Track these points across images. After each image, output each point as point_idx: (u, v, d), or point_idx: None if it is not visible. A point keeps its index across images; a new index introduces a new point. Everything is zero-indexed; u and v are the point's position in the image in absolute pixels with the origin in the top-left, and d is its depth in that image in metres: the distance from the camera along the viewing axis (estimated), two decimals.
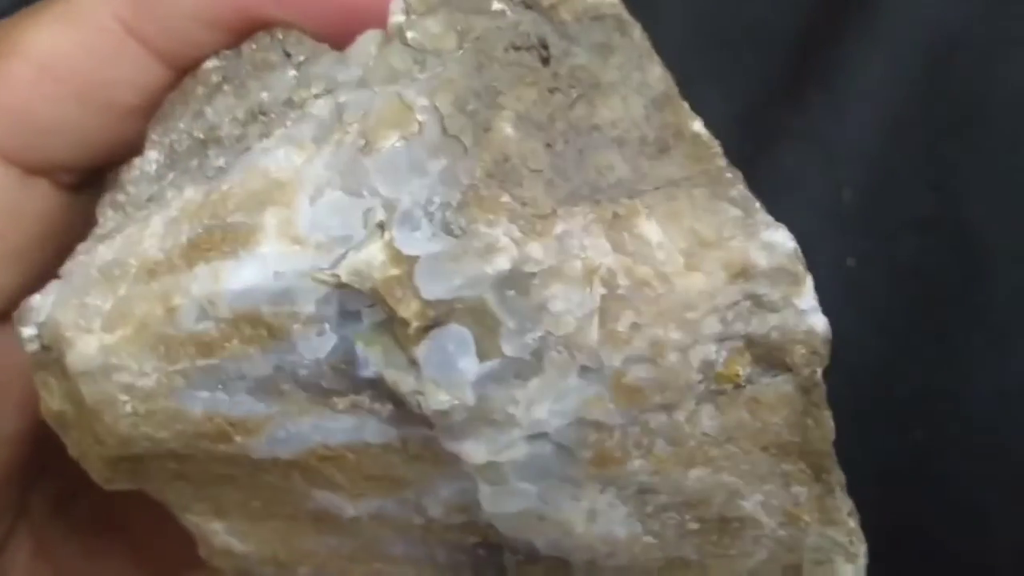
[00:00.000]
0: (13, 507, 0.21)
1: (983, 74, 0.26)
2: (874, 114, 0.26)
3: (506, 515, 0.17)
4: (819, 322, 0.16)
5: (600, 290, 0.16)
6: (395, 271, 0.16)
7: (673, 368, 0.16)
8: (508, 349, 0.16)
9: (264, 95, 0.19)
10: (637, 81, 0.17)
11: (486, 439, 0.16)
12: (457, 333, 0.16)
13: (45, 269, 0.21)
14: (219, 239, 0.17)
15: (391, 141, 0.17)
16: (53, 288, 0.18)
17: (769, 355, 0.16)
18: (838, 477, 0.17)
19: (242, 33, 0.20)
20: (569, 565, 0.18)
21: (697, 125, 0.17)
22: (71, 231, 0.21)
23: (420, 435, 0.17)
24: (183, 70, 0.20)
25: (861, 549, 0.18)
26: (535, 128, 0.17)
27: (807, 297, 0.16)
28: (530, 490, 0.17)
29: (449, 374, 0.16)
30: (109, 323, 0.17)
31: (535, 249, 0.16)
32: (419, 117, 0.17)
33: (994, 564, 0.24)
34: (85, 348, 0.17)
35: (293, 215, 0.17)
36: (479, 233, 0.16)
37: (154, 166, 0.19)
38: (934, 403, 0.25)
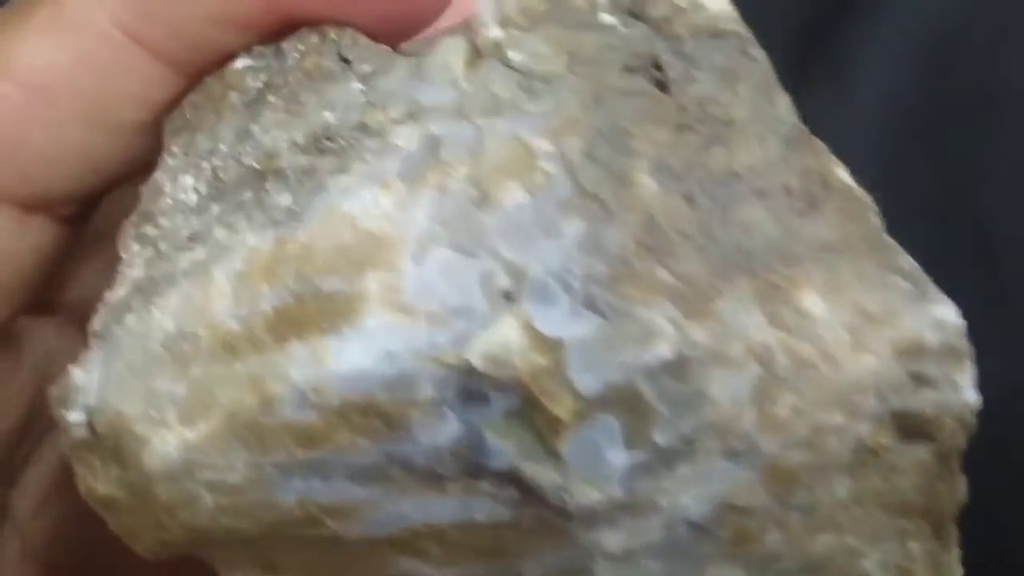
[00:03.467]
0: None
1: (990, 62, 0.26)
2: (881, 103, 0.26)
3: None
4: (973, 396, 0.15)
5: (757, 371, 0.14)
6: (542, 359, 0.14)
7: (830, 451, 0.15)
8: (660, 439, 0.14)
9: (328, 115, 0.16)
10: (768, 116, 0.16)
11: (626, 529, 0.15)
12: (606, 424, 0.14)
13: (36, 299, 0.18)
14: (314, 311, 0.14)
15: (514, 195, 0.15)
16: (96, 361, 0.15)
17: (917, 428, 0.16)
18: (952, 535, 0.17)
19: (269, 34, 0.17)
20: None
21: (842, 173, 0.15)
22: (71, 261, 0.19)
23: (537, 514, 0.15)
24: (199, 79, 0.17)
25: None
26: (672, 179, 0.15)
27: (968, 374, 0.15)
28: (655, 567, 0.16)
29: (597, 468, 0.14)
30: (188, 414, 0.14)
31: (697, 332, 0.14)
32: (544, 166, 0.15)
33: (999, 563, 0.24)
34: (163, 447, 0.14)
35: (398, 279, 0.14)
36: (636, 316, 0.14)
37: (193, 196, 0.16)
38: None
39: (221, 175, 0.16)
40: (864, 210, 0.15)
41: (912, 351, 0.15)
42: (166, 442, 0.14)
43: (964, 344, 0.15)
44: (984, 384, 0.25)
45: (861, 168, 0.26)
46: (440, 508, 0.15)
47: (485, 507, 0.15)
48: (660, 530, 0.15)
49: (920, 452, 0.16)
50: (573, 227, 0.14)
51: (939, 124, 0.26)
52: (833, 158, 0.16)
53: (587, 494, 0.14)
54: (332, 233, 0.15)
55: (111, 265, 0.17)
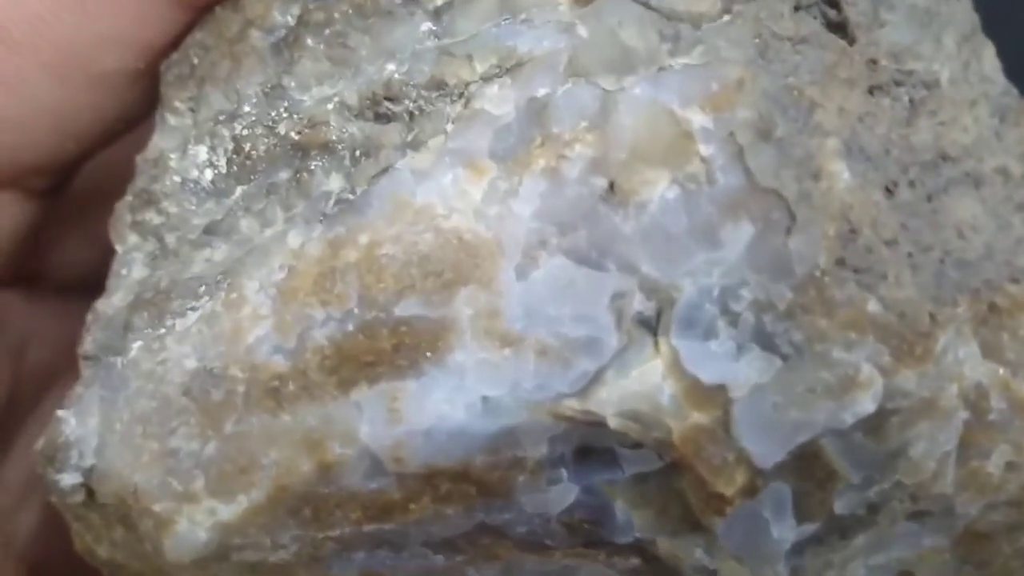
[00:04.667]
0: None
1: None
2: None
3: None
4: None
5: (964, 417, 0.11)
6: (701, 416, 0.10)
7: None
8: (841, 507, 0.11)
9: (389, 67, 0.12)
10: (976, 75, 0.12)
11: None
12: (776, 493, 0.11)
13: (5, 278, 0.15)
14: (388, 347, 0.11)
15: (660, 189, 0.11)
16: (91, 403, 0.11)
17: None
18: None
19: None
20: None
21: None
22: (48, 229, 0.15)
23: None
24: (206, 10, 0.13)
25: None
26: (868, 163, 0.11)
27: None
28: None
29: (758, 547, 0.11)
30: (221, 484, 0.11)
31: (909, 379, 0.11)
32: (702, 149, 0.11)
33: None
34: (192, 530, 0.11)
35: (498, 300, 0.11)
36: (831, 359, 0.10)
37: (208, 173, 0.12)
38: None
39: (246, 147, 0.12)
40: None
41: None
42: (195, 523, 0.11)
43: None
44: None
45: None
46: (538, 569, 0.12)
47: (595, 571, 0.12)
48: None
49: None
50: (741, 233, 0.11)
51: None
52: None
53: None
54: (406, 235, 0.11)
55: (94, 237, 0.13)
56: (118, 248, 0.12)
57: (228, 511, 0.11)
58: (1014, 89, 0.12)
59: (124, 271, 0.12)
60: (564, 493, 0.11)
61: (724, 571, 0.11)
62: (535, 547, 0.12)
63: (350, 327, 0.11)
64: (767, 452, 0.10)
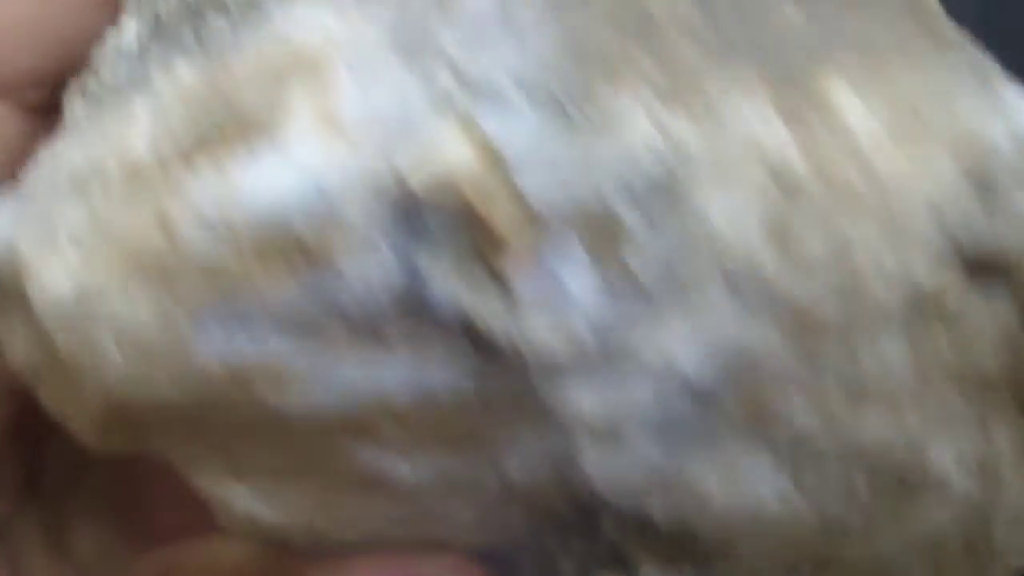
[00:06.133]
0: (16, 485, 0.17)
1: None
2: None
3: (616, 480, 0.13)
4: None
5: (765, 179, 0.11)
6: (487, 170, 0.11)
7: (870, 294, 0.12)
8: (638, 266, 0.12)
9: None
10: None
11: (601, 387, 0.12)
12: (569, 248, 0.12)
13: None
14: (231, 132, 0.12)
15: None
16: (7, 203, 0.13)
17: (987, 266, 0.12)
18: None
19: None
20: (696, 539, 0.14)
21: None
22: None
23: (505, 382, 0.13)
24: None
25: None
26: None
27: None
28: (652, 451, 0.13)
29: (557, 304, 0.12)
30: (83, 244, 0.12)
31: (684, 130, 0.11)
32: None
33: None
34: (53, 275, 0.12)
35: (330, 93, 0.12)
36: (607, 109, 0.11)
37: (135, 42, 0.14)
38: None
39: (162, 16, 0.14)
40: (925, 6, 0.12)
41: (978, 157, 0.11)
42: (56, 270, 0.12)
43: None
44: None
45: None
46: (388, 374, 0.13)
47: (440, 375, 0.13)
48: (649, 395, 0.12)
49: (997, 302, 0.12)
50: (541, 24, 0.12)
51: None
52: None
53: (543, 336, 0.12)
54: (264, 54, 0.13)
55: None
56: (67, 113, 0.14)
57: (85, 267, 0.12)
58: None
59: (66, 128, 0.14)
60: (383, 263, 0.12)
61: (527, 329, 0.12)
62: (373, 333, 0.12)
63: (205, 123, 0.12)
64: (541, 191, 0.11)
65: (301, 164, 0.12)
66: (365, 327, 0.12)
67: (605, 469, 0.13)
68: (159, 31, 0.14)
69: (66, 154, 0.13)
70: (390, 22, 0.12)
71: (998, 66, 0.12)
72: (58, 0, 0.15)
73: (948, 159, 0.11)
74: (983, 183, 0.12)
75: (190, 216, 0.12)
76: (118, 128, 0.13)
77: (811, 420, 0.13)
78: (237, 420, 0.14)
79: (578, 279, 0.12)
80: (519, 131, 0.11)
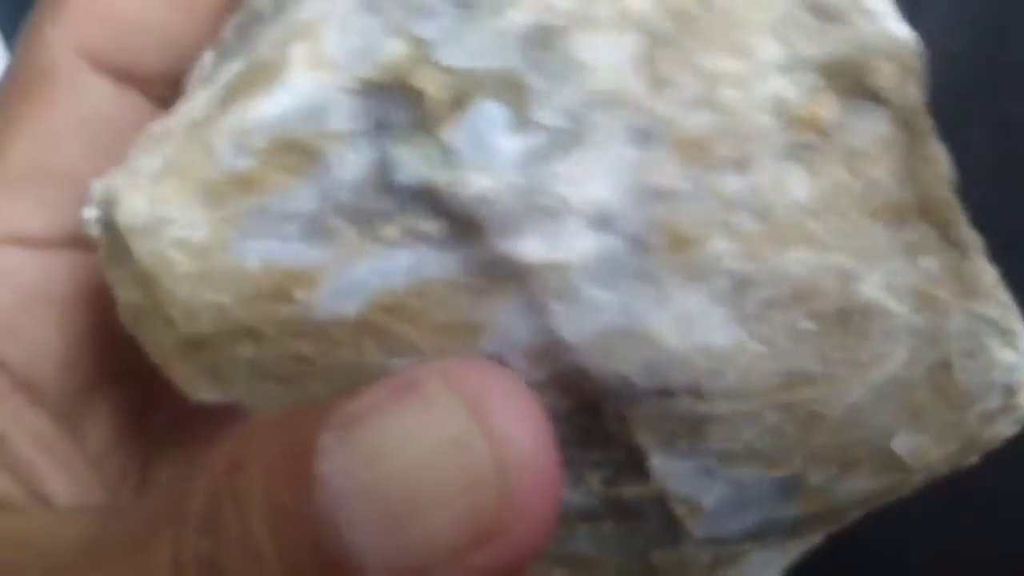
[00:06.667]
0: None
1: None
2: (933, 66, 0.25)
3: (588, 340, 0.15)
4: (901, 29, 0.14)
5: (633, 33, 0.14)
6: (414, 52, 0.15)
7: (735, 108, 0.14)
8: (544, 117, 0.14)
9: None
10: None
11: (542, 232, 0.15)
12: (487, 108, 0.14)
13: None
14: (250, 80, 0.16)
15: None
16: (118, 171, 0.18)
17: (853, 84, 0.14)
18: (970, 236, 0.14)
19: None
20: (673, 397, 0.16)
21: None
22: None
23: (480, 260, 0.15)
24: None
25: (1018, 327, 0.14)
26: None
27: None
28: (606, 298, 0.15)
29: (485, 155, 0.14)
30: (155, 179, 0.16)
31: (562, 2, 0.14)
32: None
33: None
34: (132, 203, 0.16)
35: (320, 45, 0.16)
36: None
37: (208, 67, 0.19)
38: None
39: (226, 43, 0.19)
40: None
41: None
42: (135, 199, 0.16)
43: None
44: None
45: None
46: (390, 266, 0.16)
47: (430, 259, 0.16)
48: (588, 237, 0.15)
49: (879, 124, 0.14)
50: None
51: (995, 90, 0.24)
52: None
53: (479, 183, 0.14)
54: (278, 32, 0.17)
55: None
56: None
57: (155, 191, 0.16)
58: None
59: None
60: (362, 155, 0.15)
61: (465, 180, 0.14)
62: (365, 222, 0.16)
63: (235, 78, 0.16)
64: (452, 55, 0.14)
65: (297, 90, 0.16)
66: (363, 221, 0.16)
67: (576, 328, 0.15)
68: (223, 53, 0.19)
69: (148, 138, 0.17)
70: None
71: None
72: (184, 6, 0.19)
73: None
74: (819, 8, 0.14)
75: (225, 140, 0.16)
76: (185, 106, 0.17)
77: (740, 262, 0.14)
78: (294, 347, 0.17)
79: (497, 132, 0.14)
80: (438, 25, 0.15)
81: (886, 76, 0.14)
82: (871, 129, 0.14)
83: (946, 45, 0.25)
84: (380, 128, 0.15)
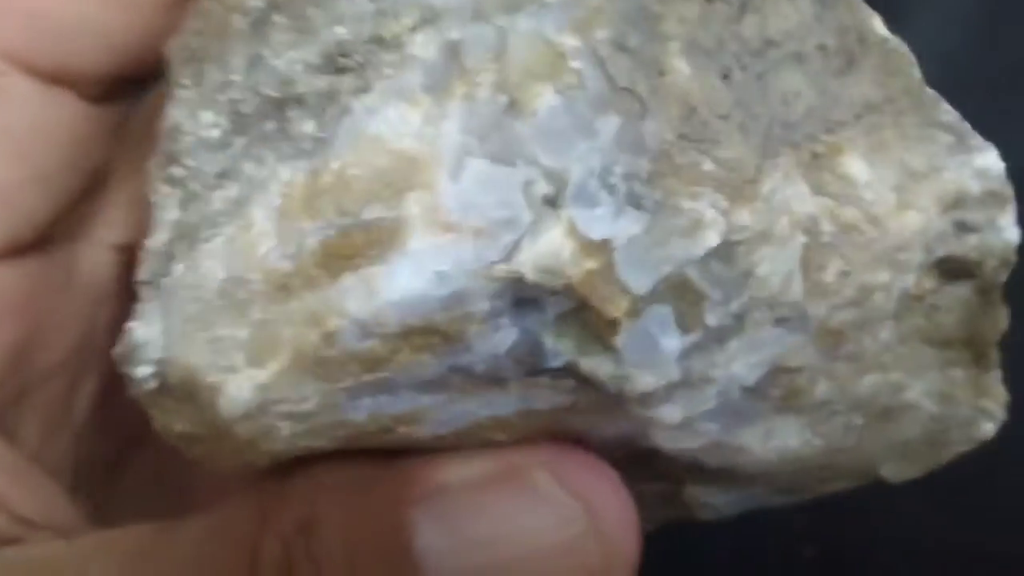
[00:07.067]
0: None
1: None
2: (926, 68, 0.26)
3: (680, 448, 0.17)
4: (1014, 235, 0.16)
5: (802, 239, 0.15)
6: (591, 263, 0.14)
7: (878, 306, 0.15)
8: (711, 319, 0.15)
9: (340, 30, 0.15)
10: None
11: (683, 402, 0.16)
12: (659, 314, 0.15)
13: (75, 193, 0.18)
14: (361, 242, 0.14)
15: (546, 99, 0.14)
16: (153, 313, 0.15)
17: (960, 270, 0.16)
18: (996, 359, 0.17)
19: None
20: (735, 474, 0.18)
21: (878, 25, 0.15)
22: (101, 149, 0.18)
23: (594, 396, 0.16)
24: None
25: (1000, 411, 0.18)
26: (706, 57, 0.15)
27: (1009, 215, 0.15)
28: (712, 428, 0.17)
29: (652, 356, 0.15)
30: (255, 356, 0.15)
31: (743, 216, 0.14)
32: (574, 64, 0.14)
33: None
34: (238, 392, 0.15)
35: (438, 198, 0.14)
36: (681, 208, 0.14)
37: (215, 132, 0.16)
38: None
39: (241, 108, 0.16)
40: (903, 63, 0.15)
41: (956, 202, 0.15)
42: (240, 387, 0.15)
43: (1006, 187, 0.15)
44: None
45: None
46: (503, 403, 0.16)
47: (544, 397, 0.16)
48: (715, 398, 0.16)
49: (962, 291, 0.16)
50: (609, 124, 0.14)
51: (988, 81, 0.25)
52: (868, 8, 0.15)
53: (644, 381, 0.15)
54: (365, 158, 0.15)
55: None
56: (154, 199, 0.16)
57: (262, 375, 0.15)
58: None
59: (162, 215, 0.16)
60: (506, 335, 0.15)
61: (630, 377, 0.15)
62: (495, 381, 0.15)
63: (331, 233, 0.15)
64: (640, 281, 0.14)
65: (425, 266, 0.14)
66: (489, 380, 0.15)
67: (673, 443, 0.17)
68: (241, 125, 0.16)
69: (200, 264, 0.15)
70: (466, 120, 0.15)
71: (962, 118, 0.15)
72: (119, 5, 0.17)
73: (933, 206, 0.15)
74: (958, 219, 0.15)
75: (345, 322, 0.14)
76: (245, 236, 0.15)
77: (828, 392, 0.17)
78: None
79: (669, 337, 0.15)
80: (608, 225, 0.14)
81: (989, 268, 0.16)
82: (956, 294, 0.16)
83: (938, 45, 0.25)
84: (523, 306, 0.15)
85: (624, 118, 0.14)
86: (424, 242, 0.14)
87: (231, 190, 0.16)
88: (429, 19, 0.15)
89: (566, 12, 0.15)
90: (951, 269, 0.16)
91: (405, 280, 0.14)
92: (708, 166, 0.14)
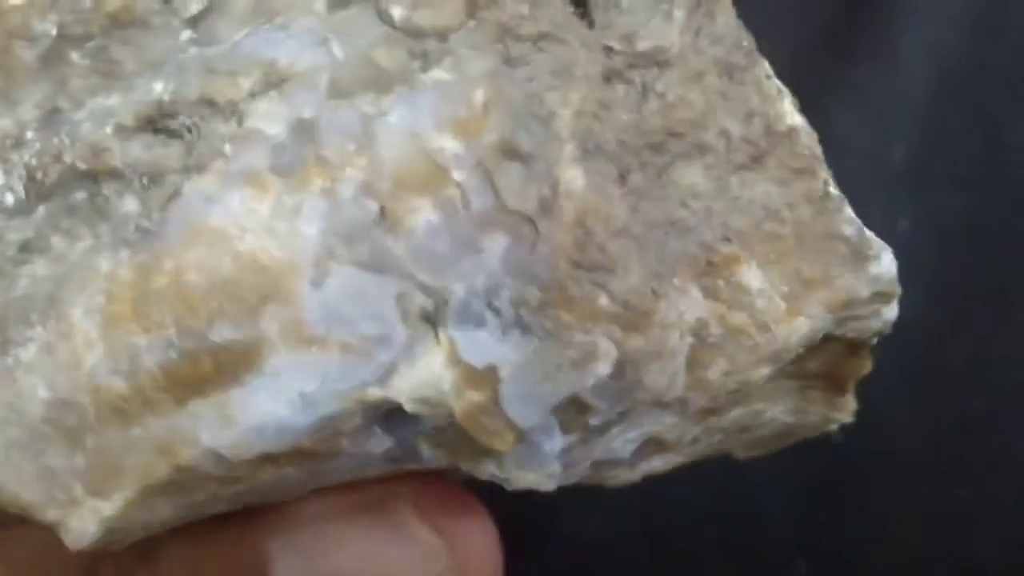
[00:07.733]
0: None
1: None
2: (925, 67, 0.24)
3: None
4: (894, 314, 0.15)
5: (688, 340, 0.14)
6: (476, 396, 0.13)
7: (755, 387, 0.15)
8: (595, 421, 0.14)
9: (157, 86, 0.13)
10: (707, 38, 0.13)
11: (557, 474, 0.15)
12: (544, 426, 0.14)
13: None
14: (210, 369, 0.13)
15: (423, 215, 0.12)
16: None
17: (840, 345, 0.15)
18: (851, 384, 0.17)
19: None
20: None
21: (788, 107, 0.14)
22: None
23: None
24: None
25: (849, 416, 0.18)
26: (603, 158, 0.13)
27: (894, 307, 0.15)
28: (582, 471, 0.16)
29: (535, 459, 0.14)
30: (97, 487, 0.13)
31: (637, 342, 0.13)
32: (456, 176, 0.12)
33: None
34: (83, 527, 0.13)
35: (298, 311, 0.13)
36: (574, 341, 0.13)
37: (9, 196, 0.13)
38: (990, 371, 0.24)
39: (38, 175, 0.13)
40: (809, 162, 0.14)
41: (845, 306, 0.14)
42: (83, 520, 0.13)
43: (895, 287, 0.14)
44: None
45: (905, 132, 0.24)
46: (369, 470, 0.15)
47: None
48: (588, 468, 0.15)
49: (833, 348, 0.16)
50: (496, 243, 0.13)
51: (983, 89, 0.24)
52: (777, 86, 0.14)
53: (526, 479, 0.14)
54: (205, 261, 0.13)
55: None
56: None
57: (107, 508, 0.13)
58: (749, 38, 0.14)
59: None
60: (380, 442, 0.14)
61: (513, 478, 0.14)
62: (359, 470, 0.14)
63: (173, 355, 0.13)
64: (529, 417, 0.13)
65: (293, 389, 0.13)
66: (353, 471, 0.14)
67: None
68: (39, 190, 0.13)
69: (18, 382, 0.13)
70: (324, 219, 0.13)
71: (861, 227, 0.14)
72: None
73: (822, 311, 0.14)
74: (844, 317, 0.14)
75: (199, 454, 0.13)
76: (67, 346, 0.13)
77: (694, 434, 0.16)
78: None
79: (551, 441, 0.14)
80: (493, 349, 0.13)
81: (864, 339, 0.15)
82: (827, 351, 0.16)
83: (935, 45, 0.24)
84: (402, 426, 0.13)
85: (513, 239, 0.13)
86: (285, 360, 0.13)
87: (39, 267, 0.13)
88: (274, 83, 0.13)
89: (447, 103, 0.12)
90: (835, 345, 0.16)
91: (265, 404, 0.13)
92: (603, 300, 0.13)
